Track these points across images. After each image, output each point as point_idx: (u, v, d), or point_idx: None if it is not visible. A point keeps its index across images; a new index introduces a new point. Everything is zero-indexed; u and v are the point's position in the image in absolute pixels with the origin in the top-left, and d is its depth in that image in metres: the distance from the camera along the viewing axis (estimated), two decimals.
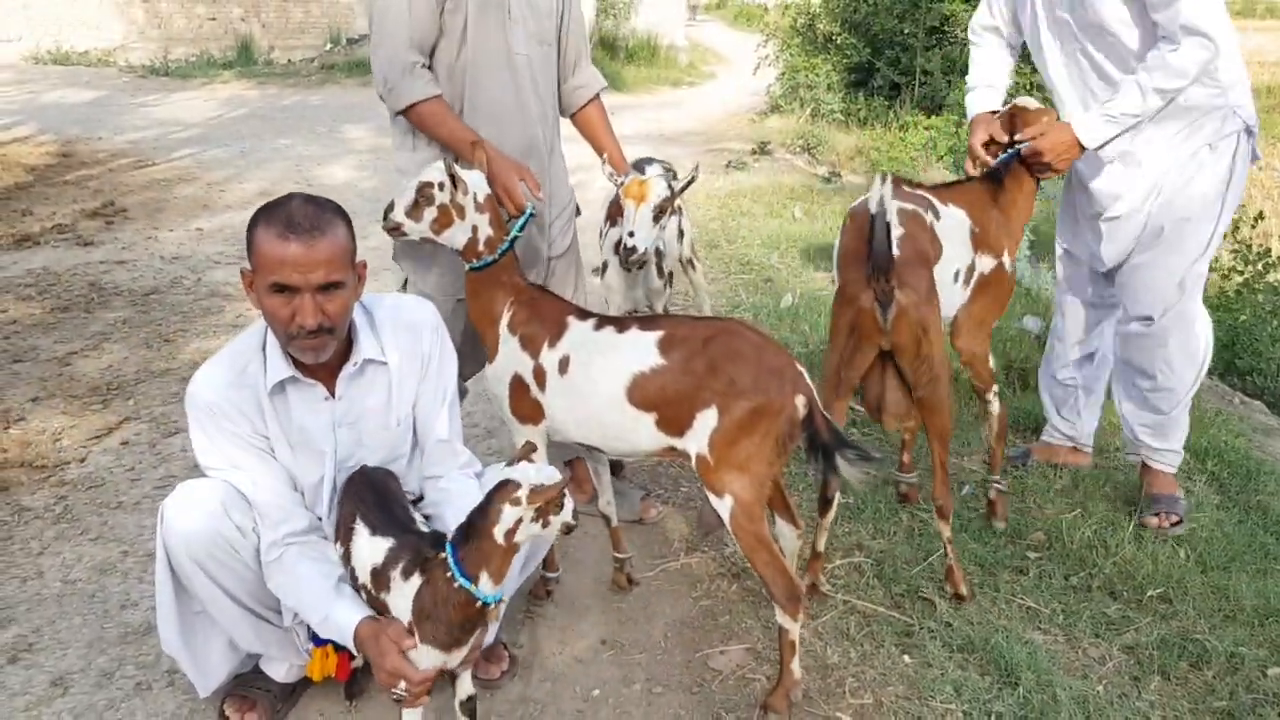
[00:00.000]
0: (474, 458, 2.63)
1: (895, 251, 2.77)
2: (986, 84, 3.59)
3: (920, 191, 3.20)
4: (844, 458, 2.49)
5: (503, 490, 2.03)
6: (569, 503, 2.05)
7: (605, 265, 3.59)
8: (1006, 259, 3.29)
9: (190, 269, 6.28)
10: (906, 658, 2.78)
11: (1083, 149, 3.15)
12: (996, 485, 3.43)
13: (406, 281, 3.18)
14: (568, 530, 2.07)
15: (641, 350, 2.57)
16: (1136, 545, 3.29)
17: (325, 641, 2.49)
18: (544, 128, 3.17)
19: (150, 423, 4.20)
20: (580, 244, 3.46)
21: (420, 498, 2.61)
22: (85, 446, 4.00)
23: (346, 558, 2.29)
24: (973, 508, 3.58)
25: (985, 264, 3.25)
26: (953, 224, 3.17)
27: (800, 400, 2.49)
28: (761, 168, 10.14)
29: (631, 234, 3.14)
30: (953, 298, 3.17)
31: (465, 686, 2.26)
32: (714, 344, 2.51)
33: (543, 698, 2.68)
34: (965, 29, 12.14)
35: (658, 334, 2.58)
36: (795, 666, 2.57)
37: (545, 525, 2.04)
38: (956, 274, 3.16)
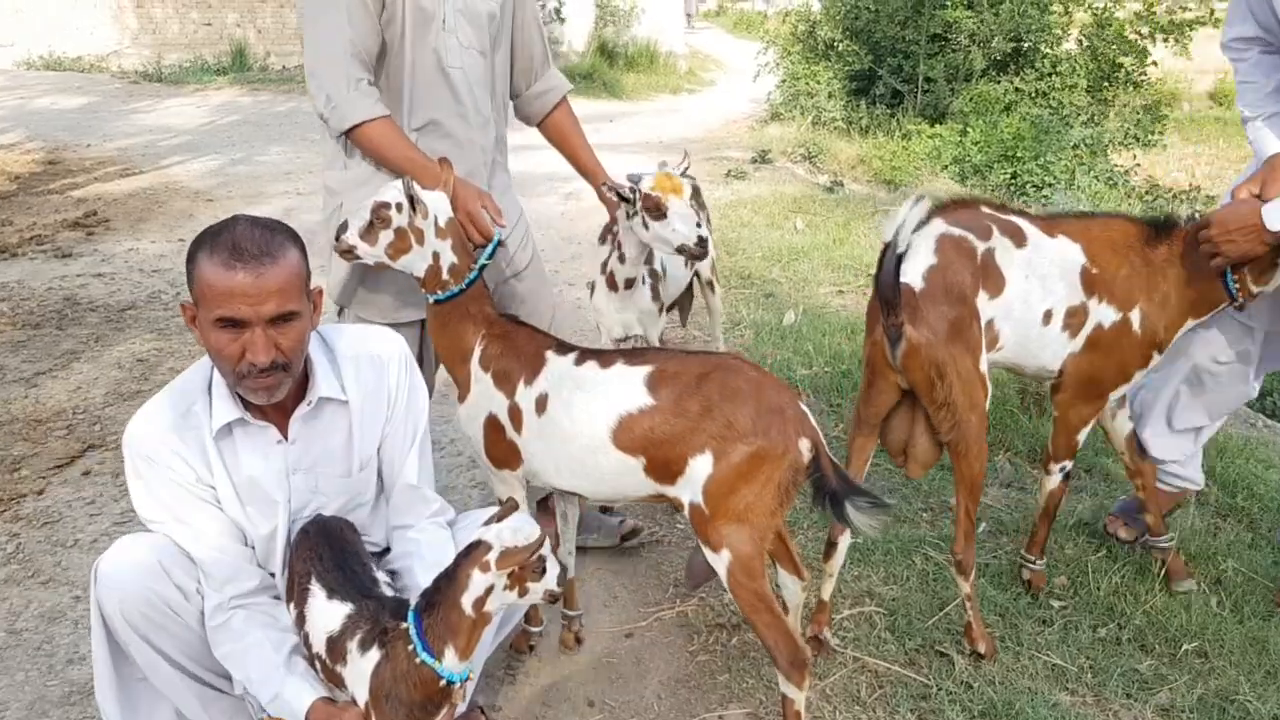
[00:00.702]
0: (446, 505, 2.38)
1: (918, 283, 2.53)
2: (1267, 111, 2.83)
3: (1009, 216, 2.78)
4: (854, 506, 2.25)
5: (472, 554, 1.80)
6: (553, 568, 1.81)
7: (594, 286, 3.34)
8: (1137, 316, 2.74)
9: (170, 283, 6.04)
10: None
11: (1270, 235, 2.51)
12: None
13: (341, 310, 2.92)
14: (552, 599, 1.84)
15: (628, 387, 2.33)
16: (1168, 593, 3.04)
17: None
18: (485, 144, 2.90)
19: (115, 450, 3.95)
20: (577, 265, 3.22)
21: (386, 550, 2.37)
22: (44, 477, 3.76)
23: (301, 621, 2.05)
24: (990, 549, 3.33)
25: (1105, 314, 2.74)
26: (1048, 258, 2.73)
27: (805, 444, 2.25)
28: (762, 177, 9.90)
29: (700, 224, 2.85)
30: (1046, 342, 2.76)
31: None
32: (709, 381, 2.28)
33: None
34: (968, 35, 12.07)
35: (646, 369, 2.34)
36: None
37: (522, 593, 1.81)
38: (1048, 314, 2.73)
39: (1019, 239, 2.74)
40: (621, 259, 3.07)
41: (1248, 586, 3.12)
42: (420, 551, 2.25)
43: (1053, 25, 12.01)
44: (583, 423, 2.35)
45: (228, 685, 2.22)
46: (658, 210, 2.80)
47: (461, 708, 2.01)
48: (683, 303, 4.26)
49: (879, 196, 8.15)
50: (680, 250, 2.82)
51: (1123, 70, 12.36)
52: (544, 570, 1.81)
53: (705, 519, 2.27)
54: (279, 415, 2.17)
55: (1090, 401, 2.84)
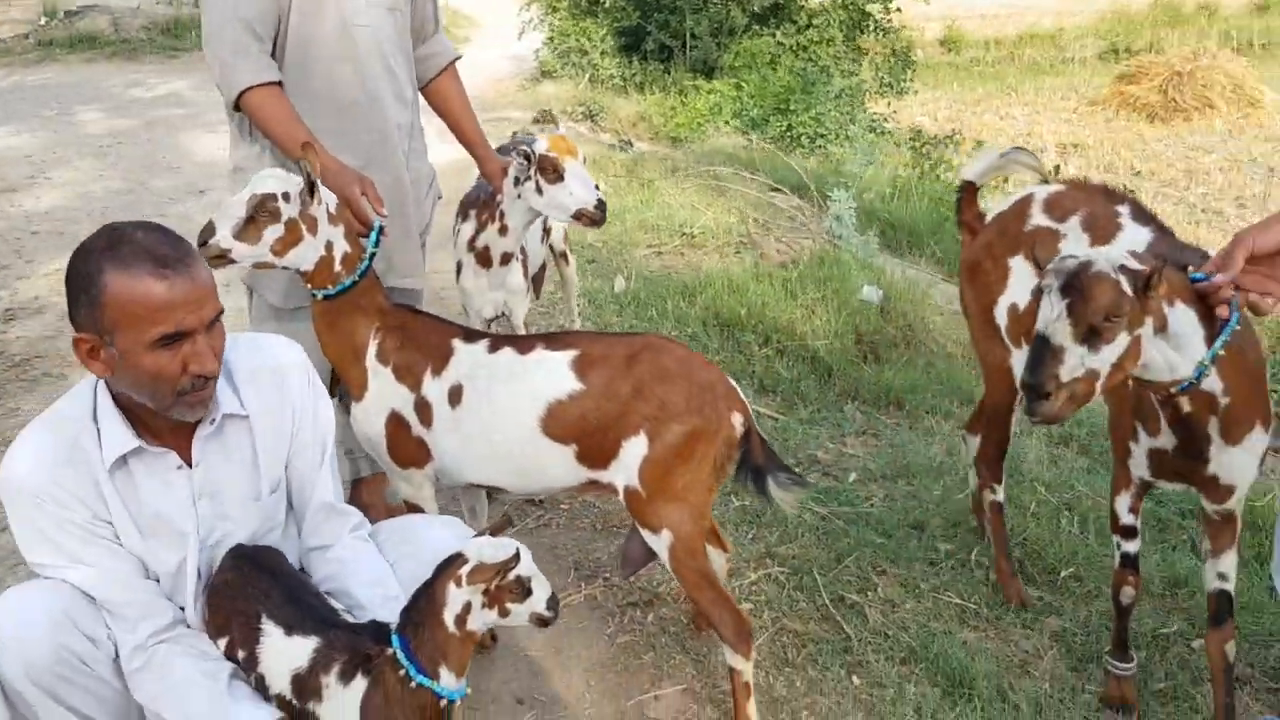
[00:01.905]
0: (363, 518, 2.21)
1: None
2: None
3: None
4: (776, 481, 2.28)
5: (448, 568, 1.71)
6: (541, 591, 1.71)
7: (460, 265, 3.18)
8: None
9: None
10: (855, 679, 2.60)
11: None
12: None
13: (252, 296, 2.69)
14: (542, 623, 1.74)
15: (554, 374, 2.24)
16: (1036, 522, 3.25)
17: None
18: (401, 109, 2.74)
19: None
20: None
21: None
22: None
23: (252, 664, 1.86)
24: (864, 496, 3.45)
25: None
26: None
27: (738, 419, 2.24)
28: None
29: (597, 187, 2.77)
30: None
31: None
32: (638, 362, 2.22)
33: None
34: None
35: (571, 354, 2.25)
36: (751, 710, 2.34)
37: (503, 614, 1.70)
38: None
39: None
40: (503, 230, 2.93)
41: (1096, 510, 3.37)
42: (352, 569, 2.09)
43: None
44: (507, 413, 2.25)
45: None
46: (555, 172, 2.69)
47: None
48: (537, 276, 4.15)
49: (675, 156, 8.22)
50: (578, 215, 2.73)
51: (871, 19, 12.98)
52: (527, 592, 1.71)
53: (643, 501, 2.22)
54: (177, 439, 1.95)
55: None
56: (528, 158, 2.73)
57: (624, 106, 11.33)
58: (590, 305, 5.06)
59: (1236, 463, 2.16)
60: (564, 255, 4.04)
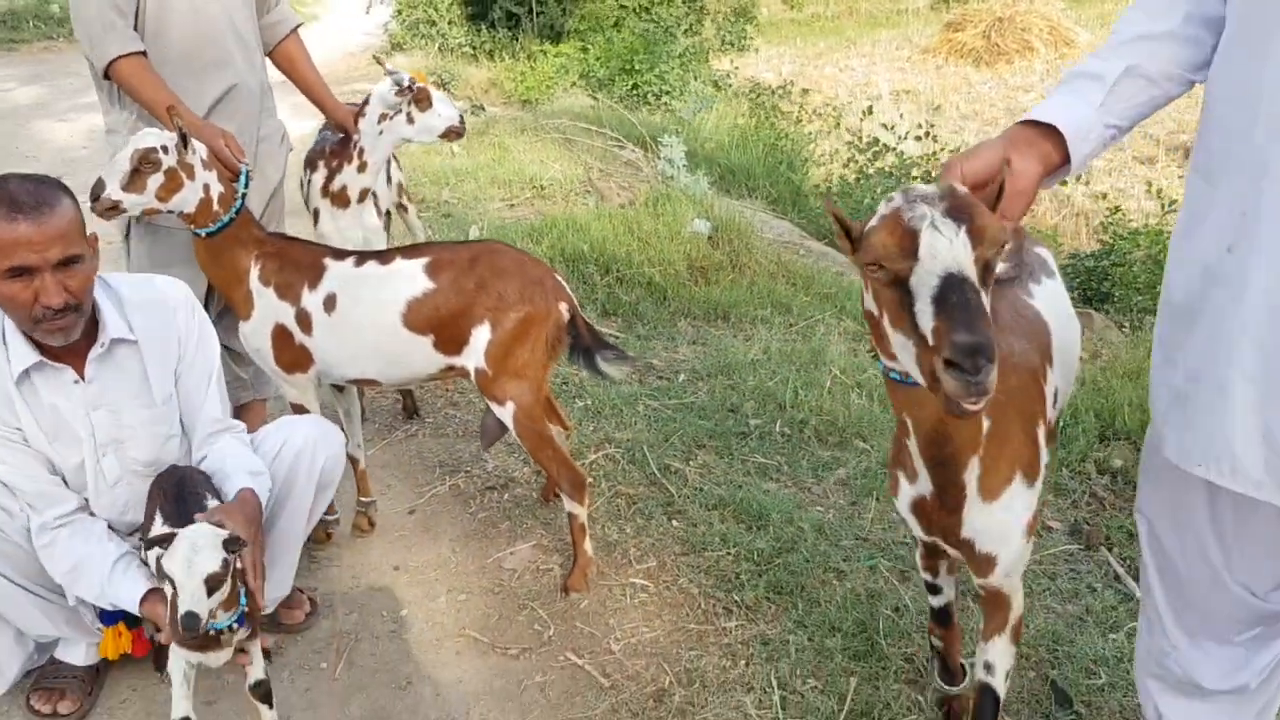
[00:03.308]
0: (244, 427, 2.61)
1: None
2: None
3: None
4: (603, 358, 2.78)
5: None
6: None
7: (318, 213, 3.56)
8: None
9: None
10: (674, 522, 3.15)
11: None
12: None
13: (129, 248, 3.05)
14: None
15: (411, 277, 2.69)
16: (831, 398, 3.85)
17: (115, 620, 2.48)
18: (250, 72, 3.12)
19: None
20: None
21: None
22: None
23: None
24: (692, 391, 4.00)
25: None
26: None
27: (563, 307, 2.73)
28: None
29: (462, 118, 3.27)
30: None
31: (254, 671, 2.26)
32: (480, 263, 2.69)
33: (353, 628, 2.79)
34: None
35: (424, 260, 2.71)
36: (587, 546, 2.86)
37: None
38: None
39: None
40: (362, 167, 3.33)
41: (876, 381, 3.98)
42: (232, 464, 2.44)
43: None
44: (374, 313, 2.69)
45: (61, 599, 2.41)
46: (426, 100, 3.15)
47: (253, 641, 2.22)
48: (385, 219, 4.54)
49: (525, 118, 8.63)
50: (448, 133, 3.21)
51: None
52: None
53: (489, 379, 2.70)
54: (73, 358, 2.33)
55: None
56: (409, 89, 3.16)
57: (475, 74, 11.65)
58: None
59: (994, 525, 1.78)
60: (402, 206, 4.42)
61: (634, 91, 10.86)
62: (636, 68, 11.03)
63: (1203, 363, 1.58)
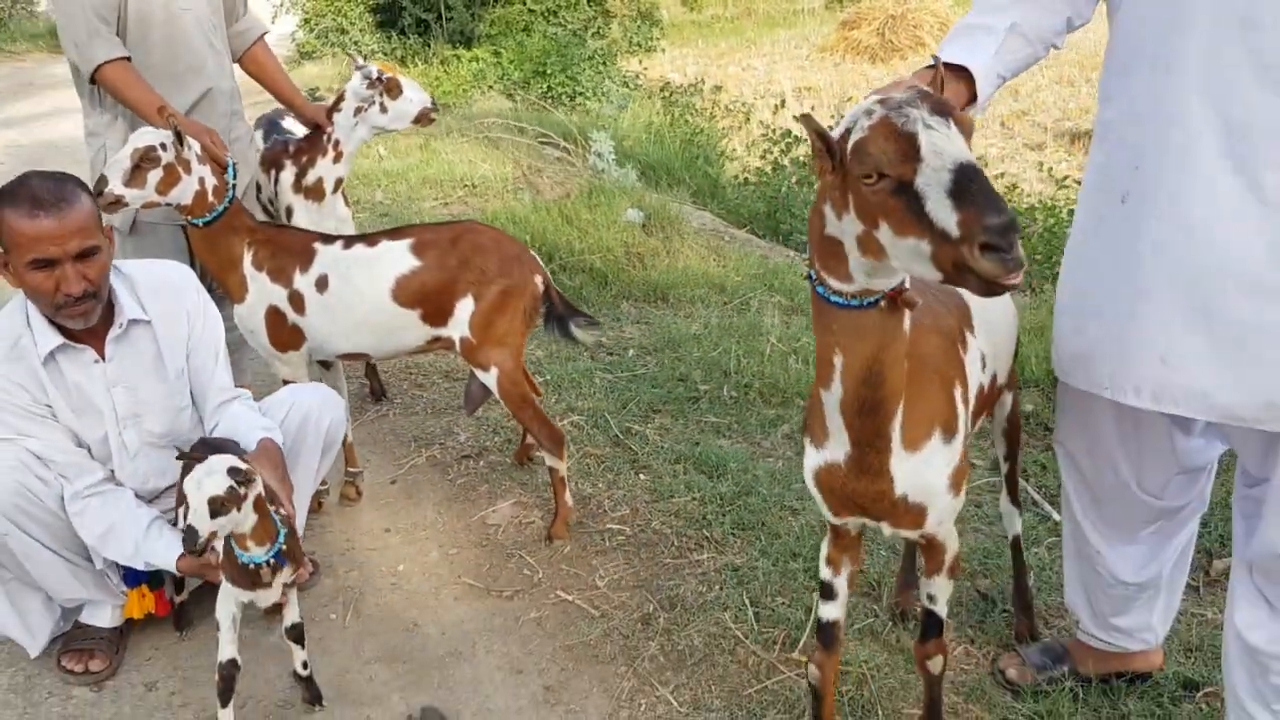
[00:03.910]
0: (250, 395, 2.83)
1: None
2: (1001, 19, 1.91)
3: None
4: (575, 325, 3.07)
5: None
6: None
7: (290, 209, 3.75)
8: None
9: None
10: (641, 476, 3.45)
11: None
12: None
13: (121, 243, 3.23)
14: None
15: (398, 256, 2.94)
16: (771, 363, 4.19)
17: (139, 582, 2.68)
18: (222, 77, 3.33)
19: None
20: None
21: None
22: None
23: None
24: (642, 363, 4.30)
25: None
26: None
27: (538, 279, 3.01)
28: None
29: (434, 101, 3.53)
30: None
31: (290, 614, 2.47)
32: (461, 241, 2.95)
33: (355, 583, 3.02)
34: None
35: (410, 240, 2.96)
36: (568, 497, 3.14)
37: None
38: None
39: None
40: (338, 158, 3.55)
41: (811, 347, 4.33)
42: (244, 424, 2.66)
43: None
44: (365, 290, 2.93)
45: (88, 563, 2.62)
46: (397, 88, 3.39)
47: (286, 576, 2.38)
48: None
49: (447, 120, 8.83)
50: (420, 117, 3.47)
51: None
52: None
53: (474, 347, 2.97)
54: (94, 339, 2.55)
55: None
56: (377, 81, 3.40)
57: None
58: None
59: (920, 476, 1.79)
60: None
61: (549, 93, 11.13)
62: (549, 70, 11.31)
63: (1104, 300, 1.93)
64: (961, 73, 1.84)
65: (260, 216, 3.98)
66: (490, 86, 11.03)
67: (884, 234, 1.42)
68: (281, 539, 2.28)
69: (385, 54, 12.76)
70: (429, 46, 12.80)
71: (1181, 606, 2.68)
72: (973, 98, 1.86)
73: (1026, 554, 2.98)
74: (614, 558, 3.06)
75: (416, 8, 13.11)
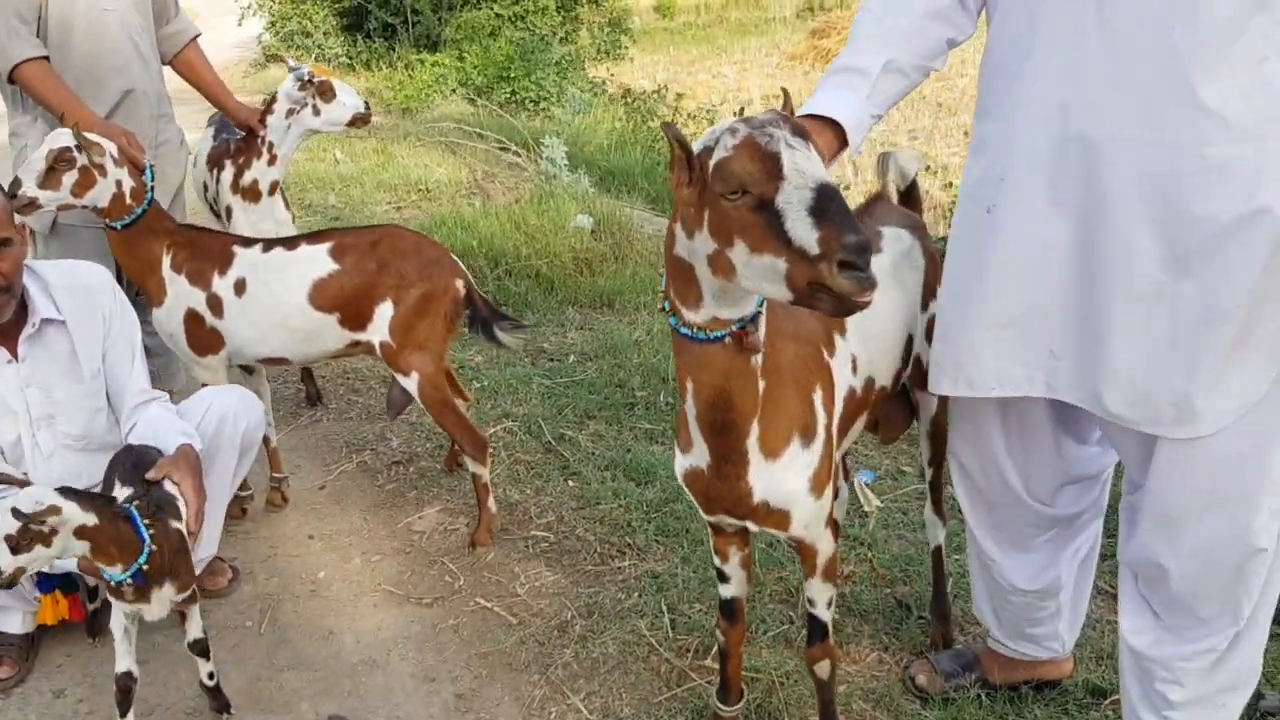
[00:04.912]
0: (168, 397, 2.80)
1: None
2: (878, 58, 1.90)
3: None
4: (500, 328, 3.05)
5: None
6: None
7: (230, 209, 3.72)
8: None
9: None
10: (570, 483, 3.44)
11: None
12: None
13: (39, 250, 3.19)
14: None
15: (316, 260, 2.92)
16: None
17: (52, 588, 2.64)
18: (147, 79, 3.30)
19: None
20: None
21: None
22: None
23: None
24: (583, 369, 4.29)
25: None
26: None
27: (459, 283, 2.99)
28: None
29: (367, 105, 3.54)
30: None
31: (193, 630, 2.41)
32: (381, 245, 2.94)
33: (275, 590, 2.99)
34: None
35: (328, 244, 2.94)
36: (491, 504, 3.12)
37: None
38: None
39: None
40: (272, 160, 3.53)
41: None
42: (162, 428, 2.63)
43: None
44: (282, 295, 2.91)
45: None
46: (330, 92, 3.37)
47: (164, 597, 2.29)
48: None
49: (406, 124, 8.81)
50: (354, 120, 3.44)
51: None
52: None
53: (394, 352, 2.94)
54: (6, 339, 2.52)
55: None
56: (309, 83, 3.38)
57: (352, 84, 11.56)
58: None
59: (780, 483, 1.81)
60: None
61: (512, 98, 11.13)
62: (513, 75, 11.30)
63: (983, 305, 1.92)
64: (831, 122, 1.83)
65: (208, 216, 3.98)
66: (453, 91, 11.01)
67: (738, 252, 1.42)
68: (142, 560, 2.17)
69: (350, 58, 12.73)
70: (394, 50, 12.77)
71: (1096, 614, 2.70)
72: (843, 144, 1.85)
73: (951, 561, 2.99)
74: (536, 564, 3.04)
75: (383, 12, 13.08)
